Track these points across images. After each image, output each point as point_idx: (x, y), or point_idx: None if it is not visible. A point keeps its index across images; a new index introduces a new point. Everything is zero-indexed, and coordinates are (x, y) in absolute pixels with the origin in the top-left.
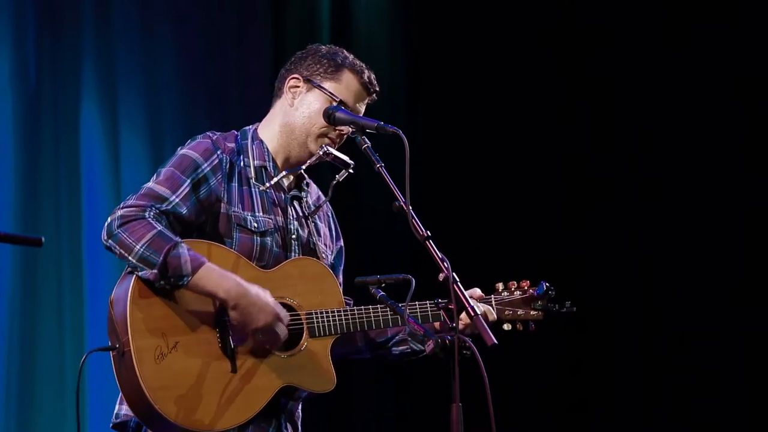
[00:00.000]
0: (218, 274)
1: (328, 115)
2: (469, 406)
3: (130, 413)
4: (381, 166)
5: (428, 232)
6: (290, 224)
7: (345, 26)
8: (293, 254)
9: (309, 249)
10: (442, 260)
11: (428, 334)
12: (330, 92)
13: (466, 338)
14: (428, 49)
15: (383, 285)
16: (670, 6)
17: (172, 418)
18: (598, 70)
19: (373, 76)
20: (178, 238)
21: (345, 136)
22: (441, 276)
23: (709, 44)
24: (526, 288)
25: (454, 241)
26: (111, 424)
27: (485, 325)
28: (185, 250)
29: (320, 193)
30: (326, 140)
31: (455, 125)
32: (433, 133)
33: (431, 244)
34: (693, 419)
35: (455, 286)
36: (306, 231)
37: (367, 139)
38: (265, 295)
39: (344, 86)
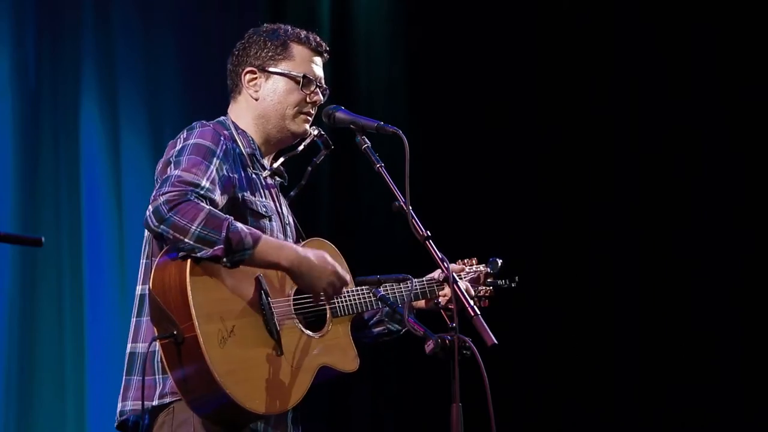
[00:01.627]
0: (277, 245)
1: (328, 116)
2: (469, 406)
3: (137, 408)
4: (381, 166)
5: (428, 232)
6: (283, 210)
7: (345, 26)
8: (289, 238)
9: (298, 233)
10: (442, 260)
11: (428, 334)
12: (288, 73)
13: (466, 338)
14: (428, 49)
15: (383, 285)
16: (671, 5)
17: (242, 402)
18: (597, 69)
19: (318, 38)
20: (228, 216)
21: (317, 104)
22: (441, 276)
23: (710, 42)
24: (473, 264)
25: (454, 241)
26: (116, 423)
27: (485, 325)
28: (241, 225)
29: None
30: (303, 116)
31: (455, 125)
32: (433, 133)
33: (431, 244)
34: (694, 420)
35: (455, 287)
36: (291, 216)
37: (367, 139)
38: (323, 257)
39: (298, 60)
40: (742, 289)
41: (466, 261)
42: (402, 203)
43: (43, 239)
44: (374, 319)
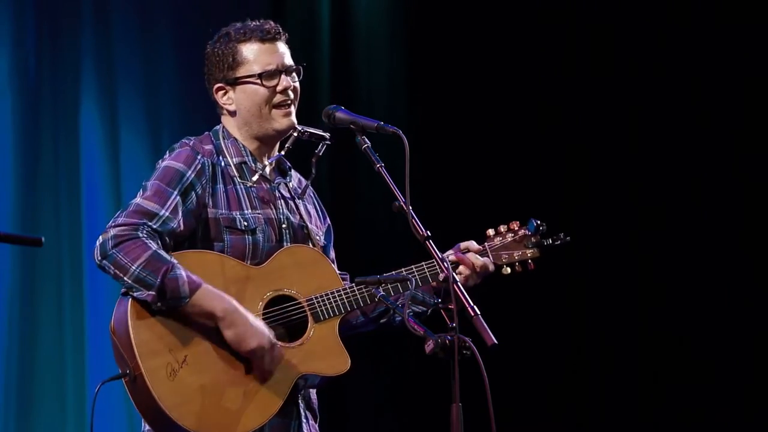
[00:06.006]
0: (215, 295)
1: (328, 116)
2: (469, 406)
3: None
4: (381, 166)
5: (428, 232)
6: (280, 214)
7: (345, 26)
8: (286, 244)
9: (302, 234)
10: (442, 260)
11: (428, 333)
12: (246, 76)
13: (466, 338)
14: (428, 49)
15: (383, 285)
16: (671, 4)
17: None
18: (598, 66)
19: (265, 25)
20: (173, 259)
21: (295, 88)
22: (441, 276)
23: (710, 40)
24: (516, 228)
25: (454, 240)
26: None
27: (485, 325)
28: (182, 271)
29: (301, 177)
30: (280, 110)
31: (455, 124)
32: (433, 133)
33: (431, 244)
34: (694, 420)
35: (455, 286)
36: (296, 215)
37: (367, 139)
38: (261, 323)
39: (251, 59)
40: (742, 289)
41: (502, 227)
42: (402, 203)
43: (43, 239)
44: (399, 302)
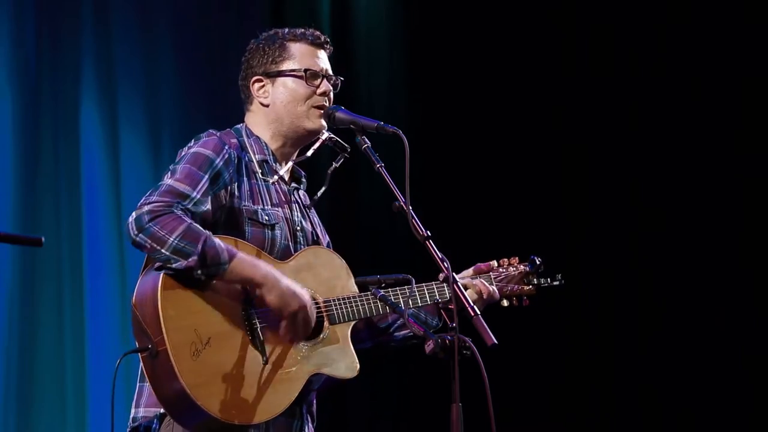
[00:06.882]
0: (252, 262)
1: (328, 116)
2: (469, 406)
3: (149, 415)
4: (381, 166)
5: (428, 232)
6: (295, 216)
7: (345, 26)
8: (300, 246)
9: (313, 240)
10: (442, 260)
11: (428, 334)
12: (291, 71)
13: (466, 338)
14: (428, 49)
15: (383, 285)
16: (671, 5)
17: (216, 414)
18: (600, 65)
19: (315, 32)
20: (208, 231)
21: (330, 94)
22: (441, 276)
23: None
24: (516, 264)
25: (454, 241)
26: (128, 429)
27: (485, 325)
28: (218, 240)
29: (305, 193)
30: (315, 111)
31: (455, 125)
32: (434, 133)
33: (431, 244)
34: (694, 421)
35: (455, 286)
36: (308, 222)
37: (367, 139)
38: (297, 284)
39: (298, 56)
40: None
41: (505, 260)
42: (402, 203)
43: (43, 239)
44: (398, 322)
